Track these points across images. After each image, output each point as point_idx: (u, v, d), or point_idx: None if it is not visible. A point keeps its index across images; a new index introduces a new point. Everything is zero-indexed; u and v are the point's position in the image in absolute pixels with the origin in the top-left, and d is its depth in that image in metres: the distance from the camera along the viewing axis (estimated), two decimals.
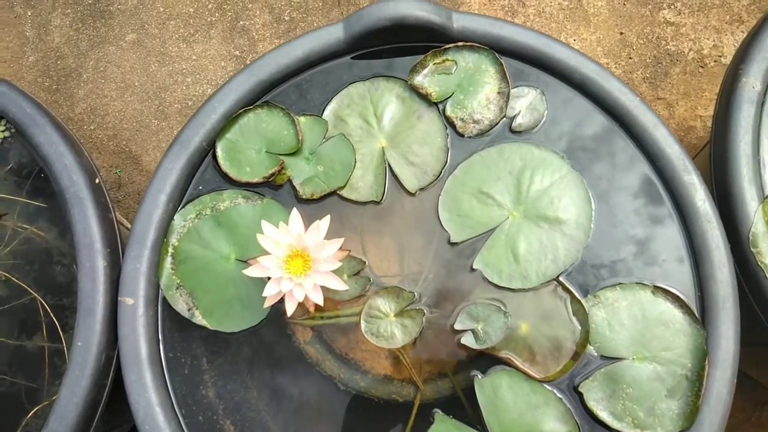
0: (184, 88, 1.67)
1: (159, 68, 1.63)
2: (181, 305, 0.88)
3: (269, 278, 0.84)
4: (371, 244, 0.98)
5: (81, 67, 1.71)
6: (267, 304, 0.88)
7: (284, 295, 0.85)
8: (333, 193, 0.92)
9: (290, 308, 0.84)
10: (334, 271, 0.81)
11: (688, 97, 1.55)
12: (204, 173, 0.96)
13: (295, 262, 0.85)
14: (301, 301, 0.84)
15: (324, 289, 0.85)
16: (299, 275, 0.84)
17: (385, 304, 0.93)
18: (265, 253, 0.85)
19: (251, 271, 0.85)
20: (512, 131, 0.95)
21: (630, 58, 1.55)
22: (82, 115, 1.67)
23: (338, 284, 0.86)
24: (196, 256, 0.90)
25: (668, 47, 1.61)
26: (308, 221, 0.86)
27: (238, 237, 0.90)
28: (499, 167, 0.97)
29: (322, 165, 0.92)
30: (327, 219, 0.88)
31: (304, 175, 0.91)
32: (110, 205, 1.02)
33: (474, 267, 0.95)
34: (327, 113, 0.94)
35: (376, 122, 0.94)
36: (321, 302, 0.85)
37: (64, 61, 1.70)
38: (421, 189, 0.95)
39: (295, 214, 0.87)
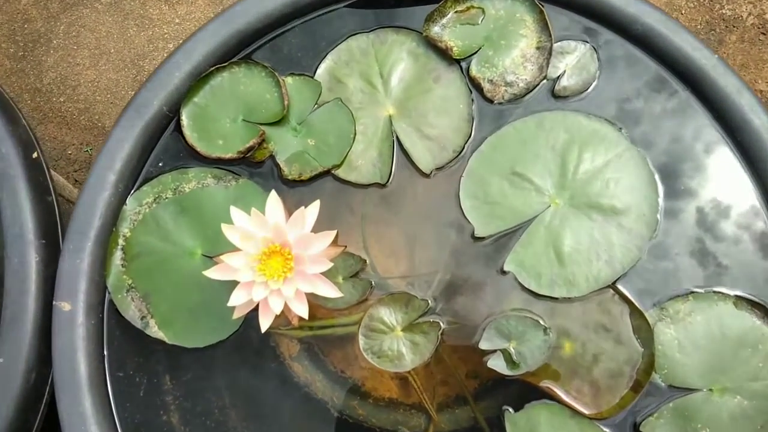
0: (165, 54, 1.46)
1: (138, 33, 1.43)
2: (132, 312, 0.75)
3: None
4: (374, 238, 0.77)
5: (51, 31, 1.50)
6: (236, 315, 0.67)
7: (257, 305, 0.64)
8: (326, 173, 0.79)
9: (264, 323, 0.64)
10: (325, 273, 0.61)
11: (746, 69, 1.32)
12: (165, 146, 0.82)
13: (272, 262, 0.64)
14: (278, 313, 0.63)
15: (312, 296, 0.65)
16: (277, 279, 0.63)
17: (390, 315, 0.72)
18: (235, 249, 0.64)
19: (214, 273, 0.64)
20: (555, 96, 0.74)
21: None
22: (51, 85, 1.47)
23: (329, 290, 0.65)
24: (153, 250, 0.76)
25: (723, 11, 1.37)
26: (293, 208, 0.66)
27: (206, 227, 0.76)
28: (539, 142, 0.76)
29: (313, 137, 0.77)
30: (316, 205, 0.67)
31: (291, 150, 0.77)
32: (50, 186, 0.82)
33: (505, 269, 0.75)
34: (321, 73, 0.79)
35: (382, 85, 0.76)
36: (305, 314, 0.64)
37: (32, 25, 1.49)
38: (438, 169, 0.74)
39: (274, 198, 0.66)
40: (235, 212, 0.67)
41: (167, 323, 0.74)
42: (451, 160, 0.77)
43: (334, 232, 0.65)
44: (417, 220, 0.77)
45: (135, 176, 0.78)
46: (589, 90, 0.79)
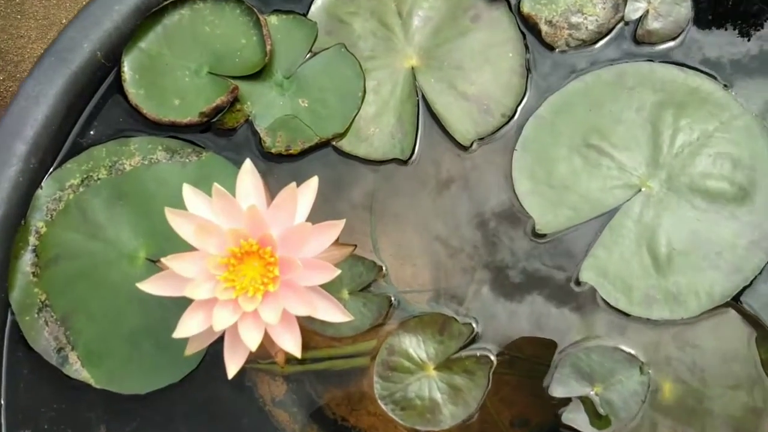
0: None
1: None
2: (45, 342, 0.56)
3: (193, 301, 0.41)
4: (390, 236, 0.56)
5: None
6: (189, 351, 0.44)
7: (223, 336, 0.41)
8: (324, 145, 0.61)
9: (233, 365, 0.41)
10: (327, 286, 0.39)
11: None
12: (99, 107, 0.61)
13: (245, 268, 0.42)
14: (254, 350, 0.40)
15: (306, 319, 0.42)
16: (253, 295, 0.41)
17: (418, 346, 0.50)
18: (190, 248, 0.42)
19: (152, 285, 0.42)
20: (637, 42, 0.53)
21: None
22: None
23: (334, 312, 0.43)
24: (77, 252, 0.57)
25: None
26: (277, 189, 0.44)
27: (154, 221, 0.57)
28: (619, 103, 0.55)
29: (305, 96, 0.60)
30: (313, 183, 0.45)
31: (275, 114, 0.60)
32: None
33: (581, 279, 0.53)
34: (316, 11, 0.63)
35: (401, 26, 0.62)
36: (297, 350, 0.42)
37: None
38: (481, 139, 0.57)
39: (249, 171, 0.44)
40: (189, 192, 0.44)
41: (94, 359, 0.53)
42: (499, 128, 0.56)
43: (341, 223, 0.43)
44: (450, 210, 0.58)
45: (55, 148, 0.60)
46: (683, 34, 0.58)
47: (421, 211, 0.57)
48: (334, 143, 0.58)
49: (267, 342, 0.43)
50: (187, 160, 0.58)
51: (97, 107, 0.60)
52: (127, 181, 0.58)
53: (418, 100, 0.59)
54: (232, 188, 0.44)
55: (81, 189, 0.57)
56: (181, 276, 0.41)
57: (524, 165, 0.56)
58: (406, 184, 0.58)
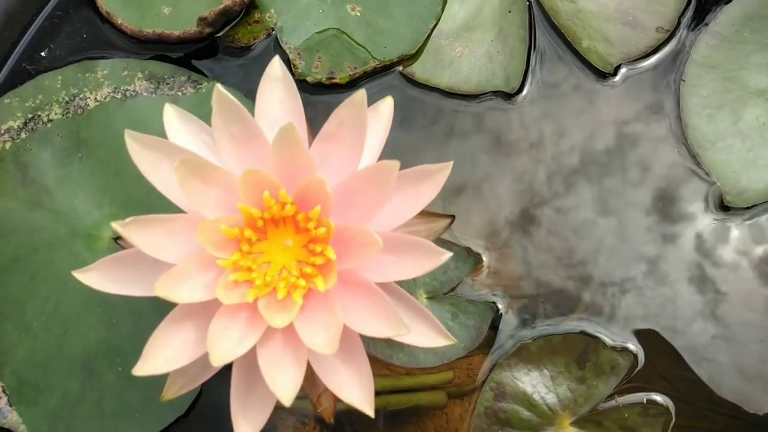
0: None
1: None
2: None
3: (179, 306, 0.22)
4: (484, 212, 0.36)
5: None
6: (168, 394, 0.25)
7: (232, 370, 0.22)
8: (385, 72, 0.40)
9: (247, 428, 0.22)
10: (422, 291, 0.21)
11: None
12: (55, 20, 0.43)
13: (271, 247, 0.23)
14: (288, 404, 0.21)
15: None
16: (285, 293, 0.22)
17: (545, 386, 0.31)
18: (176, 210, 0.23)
19: (97, 276, 0.22)
20: None
21: None
22: None
23: (429, 333, 0.24)
24: (10, 227, 0.39)
25: None
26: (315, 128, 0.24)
27: (128, 182, 0.38)
28: None
29: (356, 2, 0.41)
30: (385, 106, 0.26)
31: (312, 26, 0.41)
32: None
33: None
34: None
35: None
36: (369, 408, 0.22)
37: None
38: (628, 63, 0.37)
39: (278, 73, 0.24)
40: (172, 114, 0.25)
41: (29, 393, 0.37)
42: (654, 48, 0.37)
43: (447, 166, 0.23)
44: (581, 173, 0.37)
45: None
46: None
47: (534, 173, 0.37)
48: (400, 69, 0.39)
49: (308, 388, 0.24)
50: (180, 93, 0.39)
51: (51, 19, 0.41)
52: (91, 123, 0.39)
53: (529, 5, 0.39)
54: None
55: (22, 135, 0.39)
56: (151, 259, 0.22)
57: (698, 104, 0.37)
58: (512, 131, 0.38)
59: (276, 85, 0.25)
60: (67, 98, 0.40)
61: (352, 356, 0.23)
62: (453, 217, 0.29)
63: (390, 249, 0.22)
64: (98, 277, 0.24)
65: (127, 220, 0.22)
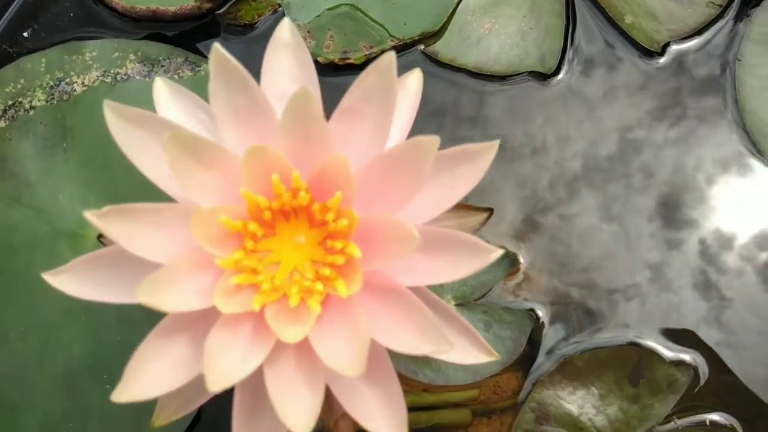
0: None
1: None
2: None
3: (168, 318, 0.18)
4: (513, 208, 0.31)
5: None
6: (159, 420, 0.21)
7: (234, 393, 0.18)
8: (405, 51, 0.36)
9: None
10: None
11: None
12: None
13: (281, 244, 0.19)
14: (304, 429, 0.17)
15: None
16: (298, 300, 0.18)
17: (593, 406, 0.26)
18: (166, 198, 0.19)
19: (70, 279, 0.18)
20: None
21: None
22: None
23: (469, 348, 0.19)
24: None
25: None
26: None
27: (118, 175, 0.34)
28: None
29: None
30: (414, 79, 0.21)
31: (323, 3, 0.36)
32: None
33: None
34: None
35: None
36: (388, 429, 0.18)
37: None
38: (677, 40, 0.33)
39: (286, 36, 0.20)
40: (162, 86, 0.21)
41: (6, 415, 0.33)
42: (705, 24, 0.31)
43: (492, 145, 0.19)
44: (623, 163, 0.35)
45: None
46: None
47: (571, 163, 0.33)
48: (422, 49, 0.35)
49: (325, 415, 0.20)
50: (176, 76, 0.35)
51: None
52: (77, 110, 0.35)
53: None
54: None
55: (1, 124, 0.36)
56: (136, 258, 0.18)
57: (757, 85, 0.32)
58: (548, 117, 0.34)
59: (285, 53, 0.21)
60: (51, 83, 0.36)
61: (379, 376, 0.19)
62: (491, 210, 0.25)
63: (424, 246, 0.18)
64: (73, 281, 0.20)
65: (105, 209, 0.18)
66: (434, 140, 0.18)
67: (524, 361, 0.31)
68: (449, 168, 0.20)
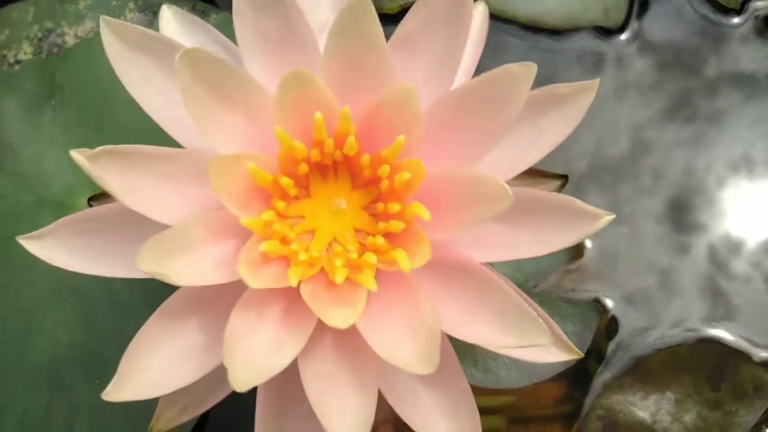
0: None
1: None
2: None
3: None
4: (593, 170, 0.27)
5: None
6: (159, 424, 0.17)
7: (257, 393, 0.14)
8: None
9: None
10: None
11: None
12: None
13: (317, 207, 0.14)
14: None
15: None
16: (343, 275, 0.14)
17: (668, 413, 0.22)
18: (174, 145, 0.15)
19: (53, 244, 0.14)
20: None
21: None
22: None
23: (548, 346, 0.15)
24: None
25: None
26: None
27: (114, 135, 0.28)
28: None
29: None
30: (481, 8, 0.18)
31: None
32: None
33: None
34: None
35: None
36: None
37: None
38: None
39: None
40: (169, 15, 0.17)
41: None
42: None
43: (590, 86, 0.15)
44: (703, 138, 0.28)
45: None
46: None
47: (639, 137, 0.29)
48: None
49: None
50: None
51: None
52: (68, 65, 0.31)
53: None
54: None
55: None
56: (136, 217, 0.14)
57: None
58: (611, 80, 0.29)
59: None
60: (40, 34, 0.32)
61: (442, 376, 0.15)
62: (566, 177, 0.21)
63: (518, 209, 0.14)
64: (56, 246, 0.16)
65: (98, 149, 0.14)
66: (530, 69, 0.14)
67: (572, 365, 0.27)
68: (532, 116, 0.16)
